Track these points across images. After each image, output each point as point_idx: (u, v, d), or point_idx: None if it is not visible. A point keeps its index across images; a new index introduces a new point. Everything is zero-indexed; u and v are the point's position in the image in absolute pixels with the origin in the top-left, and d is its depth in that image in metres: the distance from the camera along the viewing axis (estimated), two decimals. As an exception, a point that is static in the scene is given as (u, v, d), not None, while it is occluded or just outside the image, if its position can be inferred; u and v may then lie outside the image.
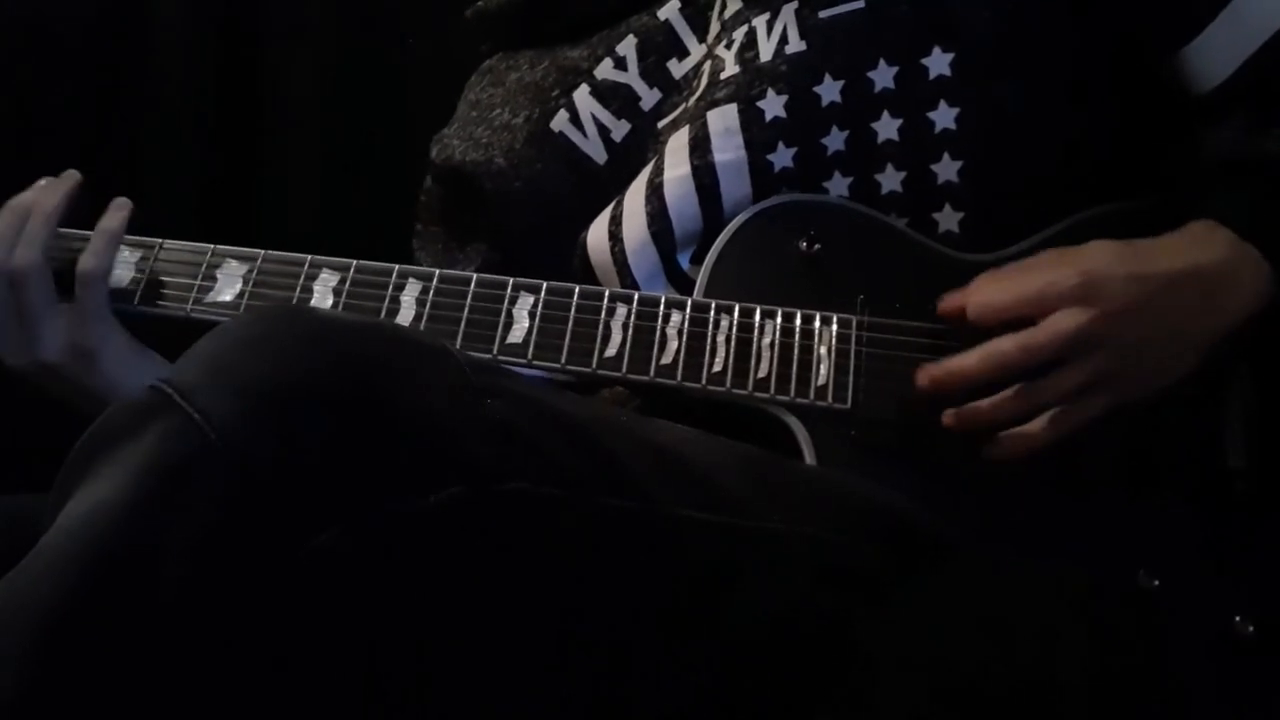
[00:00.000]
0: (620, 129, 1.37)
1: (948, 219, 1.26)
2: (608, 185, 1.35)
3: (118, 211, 1.32)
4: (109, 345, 1.29)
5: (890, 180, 1.26)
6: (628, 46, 1.38)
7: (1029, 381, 1.12)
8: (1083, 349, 1.11)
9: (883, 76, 1.25)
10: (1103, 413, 1.13)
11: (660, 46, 1.37)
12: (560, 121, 1.39)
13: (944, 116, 1.25)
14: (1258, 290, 1.16)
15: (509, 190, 1.40)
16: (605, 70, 1.38)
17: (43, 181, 1.32)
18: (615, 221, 1.31)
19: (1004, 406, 1.13)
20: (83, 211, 1.31)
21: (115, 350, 1.29)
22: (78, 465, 0.84)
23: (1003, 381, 1.12)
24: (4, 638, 0.78)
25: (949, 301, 1.17)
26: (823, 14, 1.27)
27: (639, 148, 1.36)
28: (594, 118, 1.37)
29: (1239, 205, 1.18)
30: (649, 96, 1.36)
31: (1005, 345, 1.12)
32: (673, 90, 1.36)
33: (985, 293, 1.15)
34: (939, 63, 1.25)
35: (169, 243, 1.31)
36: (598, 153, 1.37)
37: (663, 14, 1.37)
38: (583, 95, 1.38)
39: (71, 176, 1.32)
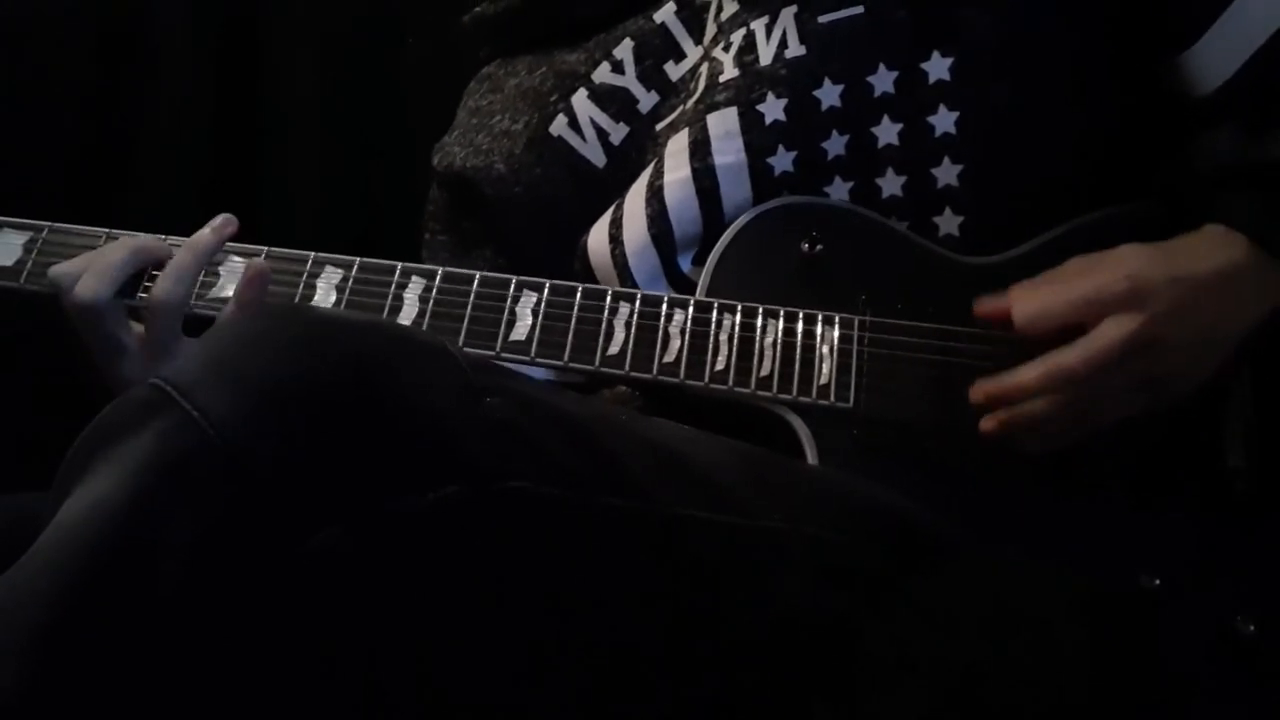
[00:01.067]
0: (619, 132, 1.37)
1: (948, 222, 1.26)
2: (608, 189, 1.35)
3: (262, 278, 1.25)
4: None
5: (891, 184, 1.26)
6: (624, 50, 1.38)
7: (1081, 388, 1.12)
8: (1135, 353, 1.11)
9: (882, 81, 1.25)
10: (1140, 413, 1.14)
11: (657, 49, 1.37)
12: (559, 126, 1.39)
13: (944, 121, 1.25)
14: (1269, 289, 1.16)
15: (509, 196, 1.41)
16: (603, 74, 1.38)
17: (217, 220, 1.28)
18: (615, 224, 1.31)
19: (1058, 414, 1.13)
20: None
21: None
22: (77, 462, 0.84)
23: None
24: (3, 634, 0.78)
25: (988, 306, 1.17)
26: (822, 19, 1.27)
27: (638, 150, 1.36)
28: (592, 122, 1.37)
29: (1247, 210, 1.18)
30: (647, 99, 1.36)
31: (1066, 358, 1.12)
32: (670, 93, 1.36)
33: (1033, 302, 1.15)
34: (938, 67, 1.25)
35: (172, 239, 1.31)
36: (597, 156, 1.37)
37: (658, 17, 1.37)
38: (581, 99, 1.38)
39: (229, 220, 1.28)
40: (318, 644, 0.83)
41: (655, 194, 1.29)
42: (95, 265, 1.24)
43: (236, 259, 1.28)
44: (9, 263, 1.31)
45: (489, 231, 1.45)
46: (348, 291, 1.26)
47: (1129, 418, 1.14)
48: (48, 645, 0.78)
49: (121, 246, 1.25)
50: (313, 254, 1.28)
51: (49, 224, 1.32)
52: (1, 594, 0.80)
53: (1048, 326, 1.13)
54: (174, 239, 1.30)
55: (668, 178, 1.29)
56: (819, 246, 1.24)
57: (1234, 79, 1.23)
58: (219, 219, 1.27)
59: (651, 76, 1.37)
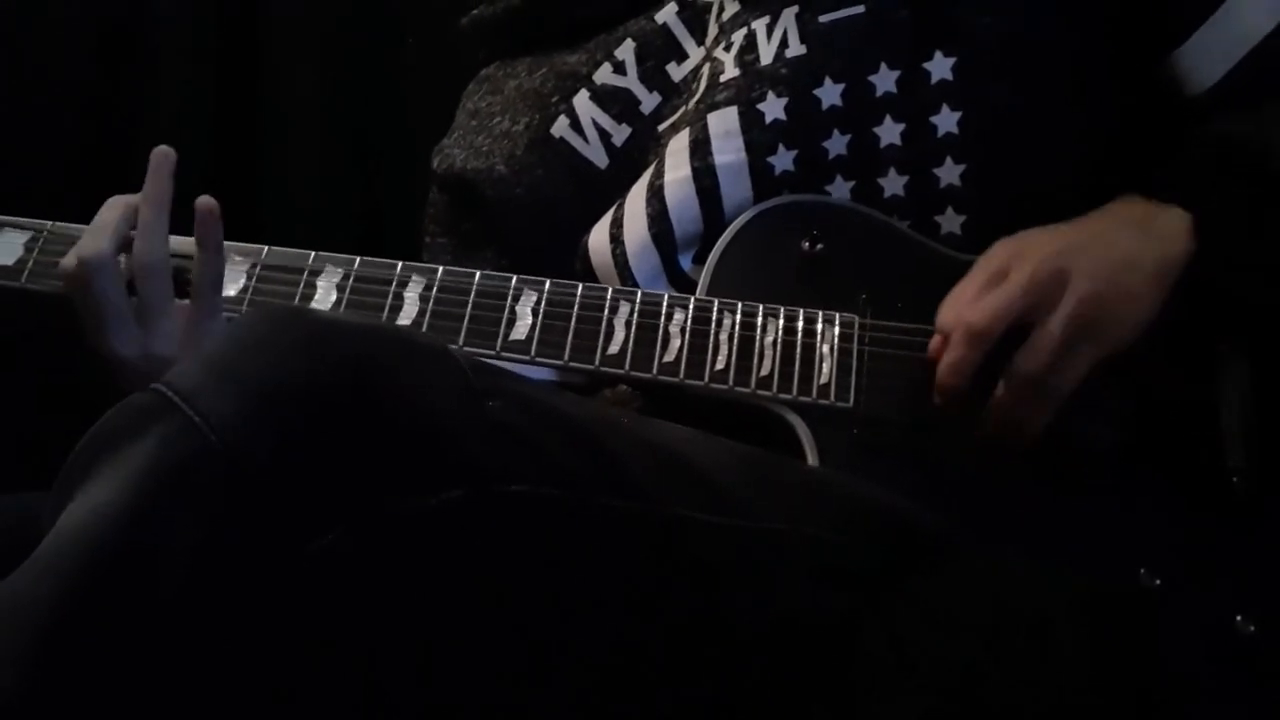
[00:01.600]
0: (621, 133, 1.37)
1: (950, 221, 1.26)
2: (609, 190, 1.35)
3: (212, 215, 1.25)
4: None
5: (892, 184, 1.26)
6: (626, 51, 1.38)
7: (1017, 359, 1.13)
8: (1045, 293, 1.12)
9: (884, 80, 1.25)
10: (1091, 365, 1.13)
11: (658, 50, 1.37)
12: (561, 127, 1.39)
13: (946, 121, 1.25)
14: (1184, 228, 1.17)
15: (510, 197, 1.41)
16: (604, 75, 1.38)
17: (151, 177, 1.26)
18: (616, 224, 1.32)
19: (1008, 394, 1.13)
20: (86, 213, 1.31)
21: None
22: (78, 466, 0.84)
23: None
24: (4, 639, 0.78)
25: (932, 350, 1.17)
26: (823, 18, 1.27)
27: (640, 151, 1.36)
28: (594, 123, 1.37)
29: (1156, 179, 1.21)
30: (649, 100, 1.36)
31: (970, 315, 1.13)
32: (672, 93, 1.36)
33: (948, 311, 1.16)
34: (941, 67, 1.25)
35: (172, 238, 1.31)
36: (599, 157, 1.37)
37: (660, 17, 1.37)
38: (582, 100, 1.38)
39: (165, 155, 1.26)
40: (320, 647, 0.83)
41: (656, 193, 1.29)
42: (92, 227, 1.23)
43: (239, 258, 1.28)
44: (9, 262, 1.31)
45: (490, 233, 1.45)
46: (348, 291, 1.26)
47: (1088, 376, 1.14)
48: (49, 650, 0.78)
49: (113, 206, 1.24)
50: (313, 253, 1.28)
51: (50, 223, 1.32)
52: (3, 599, 0.80)
53: (984, 330, 1.13)
54: (174, 238, 1.30)
55: (668, 177, 1.29)
56: (819, 245, 1.24)
57: (1224, 80, 1.24)
58: (154, 160, 1.25)
59: (653, 77, 1.37)
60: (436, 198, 1.51)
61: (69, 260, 1.23)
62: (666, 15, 1.37)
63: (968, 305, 1.14)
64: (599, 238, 1.33)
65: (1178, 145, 1.24)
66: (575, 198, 1.37)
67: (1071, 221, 1.18)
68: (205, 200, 1.23)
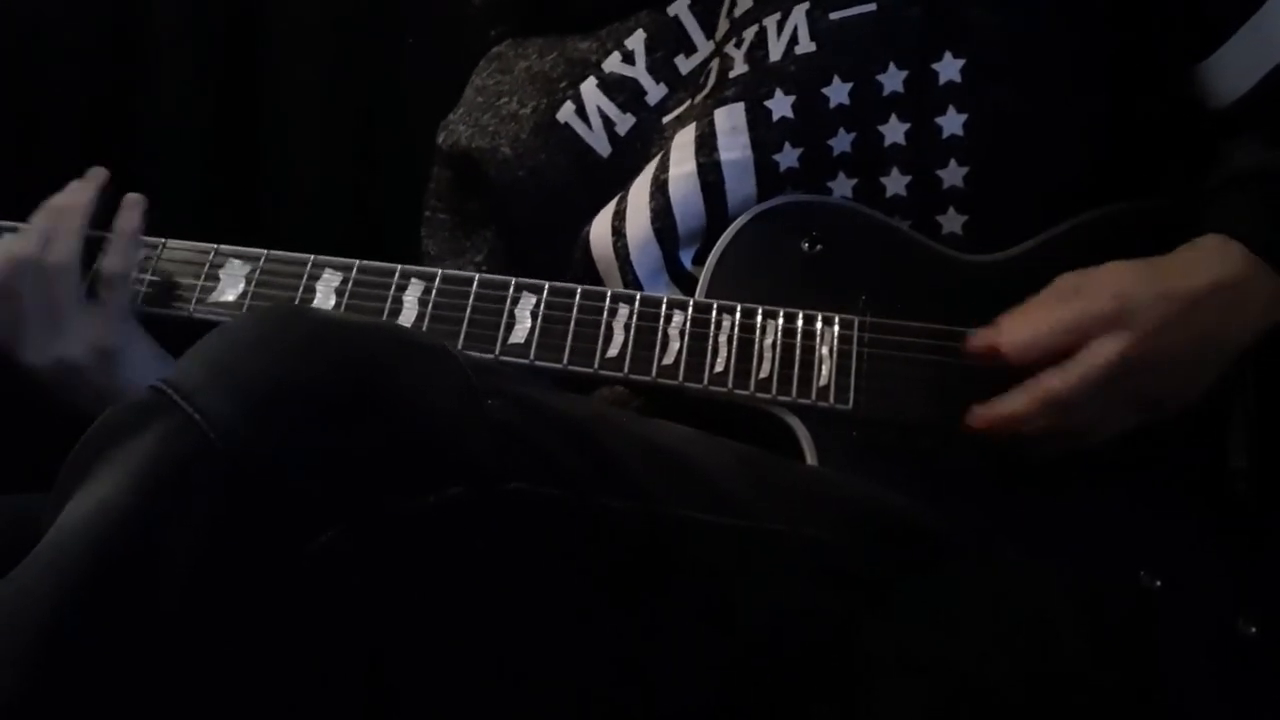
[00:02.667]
0: (625, 122, 1.37)
1: (951, 221, 1.25)
2: (611, 178, 1.35)
3: (133, 209, 1.32)
4: (131, 346, 1.29)
5: (895, 183, 1.25)
6: (636, 41, 1.38)
7: (1071, 411, 1.12)
8: (1122, 374, 1.11)
9: (892, 80, 1.25)
10: (1137, 427, 1.14)
11: (668, 42, 1.37)
12: (566, 113, 1.39)
13: (952, 122, 1.24)
14: (1272, 302, 1.16)
15: (513, 179, 1.40)
16: (613, 64, 1.38)
17: (74, 184, 1.33)
18: (619, 216, 1.31)
19: (1050, 434, 1.13)
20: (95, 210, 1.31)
21: (137, 352, 1.29)
22: (78, 465, 0.84)
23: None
24: (5, 638, 0.78)
25: (979, 342, 1.16)
26: (833, 15, 1.27)
27: (643, 142, 1.36)
28: (599, 110, 1.37)
29: (1246, 219, 1.18)
30: (655, 91, 1.36)
31: (1053, 383, 1.11)
32: (679, 86, 1.36)
33: (1020, 331, 1.14)
34: (949, 68, 1.25)
35: (172, 242, 1.32)
36: (602, 145, 1.37)
37: (672, 10, 1.37)
38: (590, 88, 1.38)
39: (99, 174, 1.33)
40: (320, 646, 0.83)
41: (660, 187, 1.29)
42: (20, 231, 1.29)
43: (236, 262, 1.28)
44: None
45: (491, 213, 1.45)
46: (347, 294, 1.26)
47: (1130, 429, 1.14)
48: (50, 649, 0.78)
49: (42, 212, 1.31)
50: (312, 257, 1.28)
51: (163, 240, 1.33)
52: (3, 598, 0.80)
53: (1037, 356, 1.13)
54: (174, 242, 1.30)
55: (673, 171, 1.29)
56: (819, 246, 1.24)
57: (1254, 91, 1.23)
58: (89, 172, 1.34)
59: (661, 68, 1.37)
60: (440, 173, 1.51)
61: (52, 258, 1.27)
62: (678, 8, 1.37)
63: (1048, 354, 1.13)
64: (600, 229, 1.32)
65: (1240, 181, 1.23)
66: (577, 184, 1.37)
67: (1164, 271, 1.15)
68: (135, 195, 1.31)
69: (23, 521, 0.92)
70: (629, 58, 1.38)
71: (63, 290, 1.27)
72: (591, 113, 1.37)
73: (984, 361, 1.15)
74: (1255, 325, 1.16)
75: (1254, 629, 1.13)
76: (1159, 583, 1.13)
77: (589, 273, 1.32)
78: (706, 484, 1.01)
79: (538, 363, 1.22)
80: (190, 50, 2.06)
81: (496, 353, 1.22)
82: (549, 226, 1.38)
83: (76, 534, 0.80)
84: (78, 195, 1.31)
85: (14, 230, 1.32)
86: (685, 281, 1.29)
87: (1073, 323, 1.12)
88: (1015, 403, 1.12)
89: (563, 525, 0.91)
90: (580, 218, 1.36)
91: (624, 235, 1.30)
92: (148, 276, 1.30)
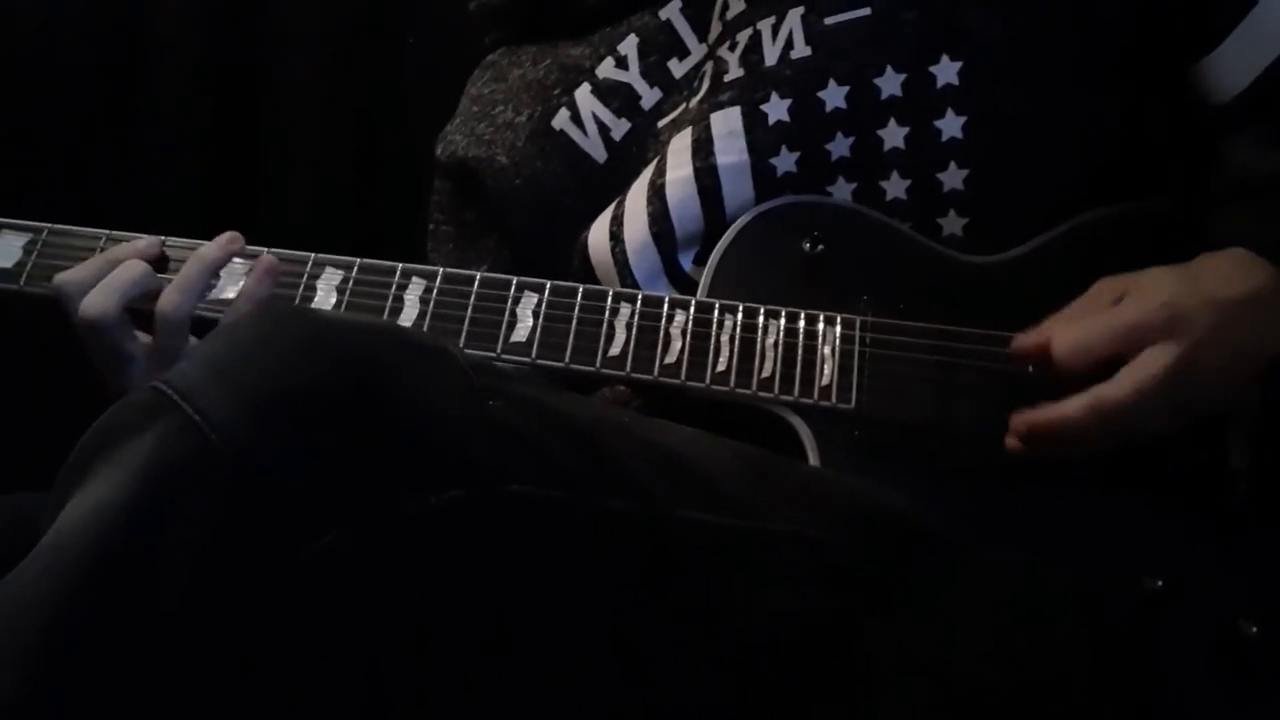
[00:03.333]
0: (620, 128, 1.37)
1: (952, 224, 1.25)
2: (607, 184, 1.35)
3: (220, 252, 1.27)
4: None
5: (895, 187, 1.25)
6: (629, 46, 1.38)
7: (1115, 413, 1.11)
8: (1176, 381, 1.10)
9: (890, 84, 1.25)
10: (1168, 434, 1.13)
11: (661, 46, 1.37)
12: (562, 120, 1.39)
13: (951, 125, 1.24)
14: None
15: (510, 188, 1.41)
16: (607, 69, 1.38)
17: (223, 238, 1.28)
18: (616, 222, 1.31)
19: (1097, 440, 1.12)
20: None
21: None
22: (78, 465, 0.84)
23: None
24: (4, 638, 0.78)
25: (1024, 344, 1.14)
26: (828, 20, 1.27)
27: (639, 146, 1.36)
28: (595, 116, 1.37)
29: (1265, 232, 1.17)
30: (649, 96, 1.36)
31: (1110, 392, 1.09)
32: (673, 90, 1.36)
33: (1072, 334, 1.12)
34: (947, 71, 1.24)
35: (172, 240, 1.31)
36: (597, 151, 1.37)
37: (664, 14, 1.37)
38: (584, 94, 1.38)
39: (235, 237, 1.28)
40: (321, 647, 0.83)
41: (657, 192, 1.29)
42: (104, 282, 1.22)
43: (237, 261, 1.28)
44: (9, 265, 1.31)
45: (492, 222, 1.45)
46: (348, 293, 1.26)
47: (1156, 435, 1.13)
48: (49, 650, 0.78)
49: (132, 266, 1.24)
50: (313, 255, 1.28)
51: (49, 225, 1.32)
52: (2, 598, 0.80)
53: (1089, 359, 1.11)
54: (174, 240, 1.30)
55: (669, 176, 1.29)
56: (820, 246, 1.24)
57: (1252, 87, 1.23)
58: (225, 236, 1.27)
59: (655, 73, 1.37)
60: (440, 185, 1.51)
61: (78, 308, 1.22)
62: (670, 11, 1.37)
63: (1101, 359, 1.11)
64: (598, 235, 1.32)
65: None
66: (573, 191, 1.37)
67: (1203, 278, 1.14)
68: (269, 259, 1.27)
69: (23, 521, 0.92)
70: (622, 63, 1.37)
71: (173, 340, 1.23)
72: (586, 119, 1.38)
73: (1029, 363, 1.14)
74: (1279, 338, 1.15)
75: (1254, 629, 1.13)
76: (1159, 583, 1.13)
77: (588, 279, 1.32)
78: (707, 484, 1.00)
79: (539, 361, 1.22)
80: (190, 50, 2.06)
81: (498, 351, 1.22)
82: (547, 233, 1.38)
83: (76, 535, 0.80)
84: (215, 252, 1.26)
85: (15, 229, 1.31)
86: (684, 284, 1.29)
87: (1125, 330, 1.11)
88: (1070, 409, 1.10)
89: (564, 526, 0.91)
90: (578, 224, 1.36)
91: (621, 240, 1.30)
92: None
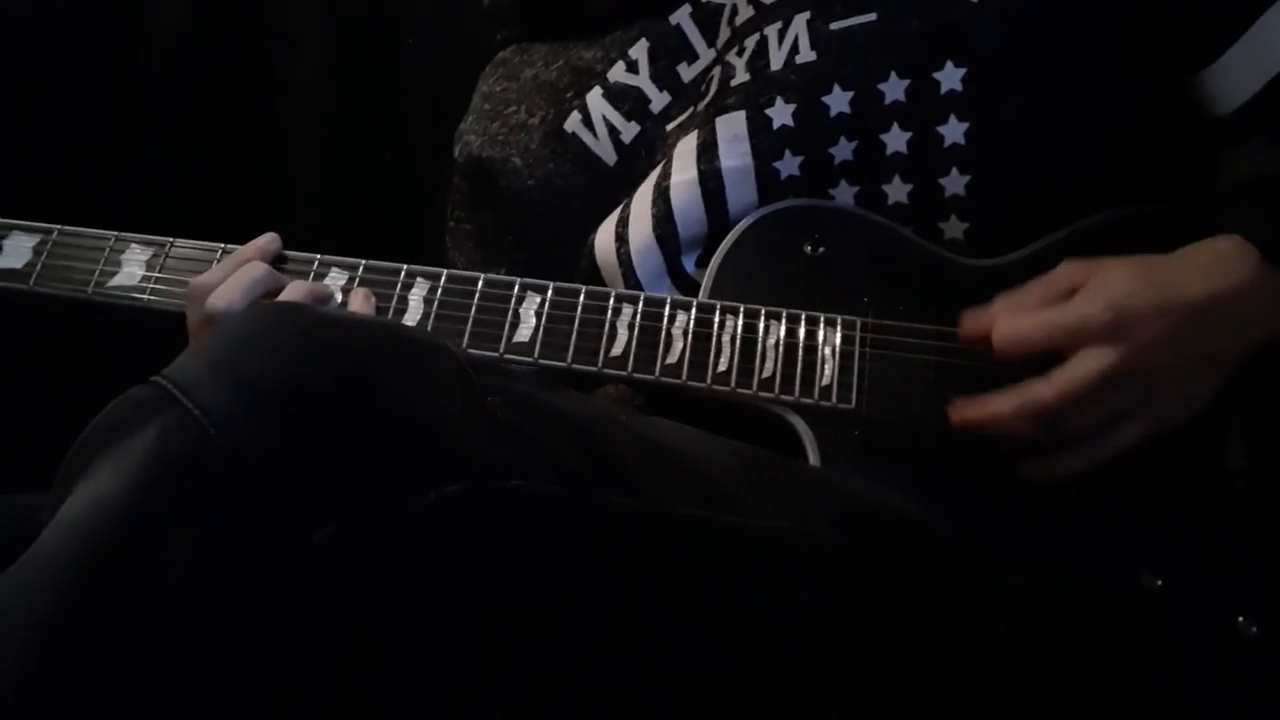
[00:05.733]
0: (630, 131, 1.37)
1: (953, 228, 1.25)
2: (617, 187, 1.36)
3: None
4: None
5: (897, 192, 1.25)
6: (639, 50, 1.38)
7: (1058, 419, 1.11)
8: (1112, 386, 1.10)
9: (894, 89, 1.25)
10: (1138, 440, 1.13)
11: (671, 50, 1.37)
12: (573, 123, 1.39)
13: (954, 131, 1.24)
14: (1276, 312, 1.15)
15: (522, 189, 1.41)
16: (618, 73, 1.39)
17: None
18: (622, 224, 1.32)
19: (1031, 436, 1.12)
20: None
21: None
22: (78, 460, 0.84)
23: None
24: (3, 633, 0.78)
25: (971, 326, 1.15)
26: (834, 25, 1.27)
27: (647, 150, 1.36)
28: (605, 119, 1.38)
29: (1263, 224, 1.17)
30: (659, 99, 1.37)
31: (1042, 393, 1.10)
32: (681, 94, 1.36)
33: (1012, 325, 1.13)
34: (951, 77, 1.24)
35: (179, 241, 1.32)
36: (608, 154, 1.37)
37: (674, 19, 1.38)
38: (595, 97, 1.39)
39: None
40: (319, 642, 0.83)
41: (661, 194, 1.30)
42: (232, 280, 1.24)
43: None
44: (19, 265, 1.32)
45: (508, 222, 1.46)
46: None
47: (1129, 445, 1.13)
48: (49, 643, 0.78)
49: (255, 266, 1.26)
50: (318, 256, 1.29)
51: (59, 227, 1.32)
52: (2, 592, 0.80)
53: (1024, 351, 1.12)
54: (183, 241, 1.31)
55: (674, 179, 1.29)
56: (821, 248, 1.24)
57: (1255, 99, 1.22)
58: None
59: (664, 77, 1.37)
60: (459, 184, 1.52)
61: (209, 306, 1.22)
62: (680, 16, 1.37)
63: (1036, 353, 1.12)
64: (605, 236, 1.33)
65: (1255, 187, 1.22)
66: (584, 193, 1.38)
67: (1168, 277, 1.14)
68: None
69: (23, 521, 0.92)
70: (633, 67, 1.38)
71: None
72: (597, 122, 1.38)
73: (971, 341, 1.15)
74: (1254, 334, 1.15)
75: (1255, 629, 1.13)
76: (1160, 583, 1.13)
77: (594, 280, 1.33)
78: (707, 482, 1.01)
79: (542, 361, 1.23)
80: (190, 50, 2.06)
81: (501, 351, 1.23)
82: (556, 235, 1.39)
83: (76, 529, 0.81)
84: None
85: (26, 230, 1.32)
86: (687, 286, 1.29)
87: (1065, 327, 1.11)
88: (999, 405, 1.12)
89: (563, 523, 0.91)
90: (587, 225, 1.36)
91: (626, 242, 1.31)
92: (155, 274, 1.30)
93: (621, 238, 1.31)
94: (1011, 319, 1.13)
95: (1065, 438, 1.13)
